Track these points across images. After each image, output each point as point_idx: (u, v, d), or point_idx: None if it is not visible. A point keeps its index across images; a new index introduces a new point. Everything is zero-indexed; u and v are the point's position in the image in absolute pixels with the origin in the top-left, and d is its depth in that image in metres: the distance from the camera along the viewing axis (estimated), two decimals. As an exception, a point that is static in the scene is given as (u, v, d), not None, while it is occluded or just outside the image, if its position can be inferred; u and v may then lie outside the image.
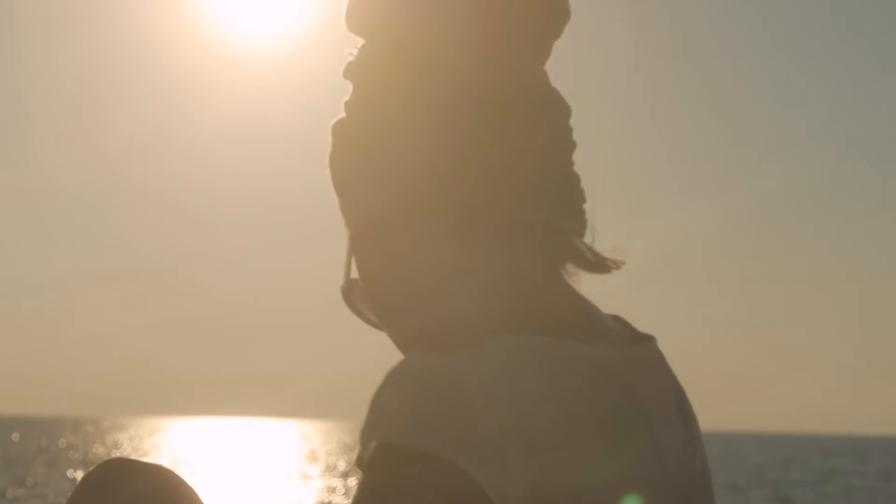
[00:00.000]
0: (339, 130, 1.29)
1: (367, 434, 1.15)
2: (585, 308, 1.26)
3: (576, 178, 1.27)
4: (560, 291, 1.26)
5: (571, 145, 1.27)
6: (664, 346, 1.30)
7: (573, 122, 1.28)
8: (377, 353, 1.37)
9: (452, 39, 1.25)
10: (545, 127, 1.25)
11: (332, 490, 34.56)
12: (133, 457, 1.43)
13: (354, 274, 1.31)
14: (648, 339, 1.28)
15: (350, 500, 1.16)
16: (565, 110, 1.28)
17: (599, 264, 1.28)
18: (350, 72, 1.29)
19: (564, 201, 1.26)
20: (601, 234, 1.28)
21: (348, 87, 1.30)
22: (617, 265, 1.29)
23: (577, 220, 1.26)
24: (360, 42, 1.29)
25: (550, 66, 1.30)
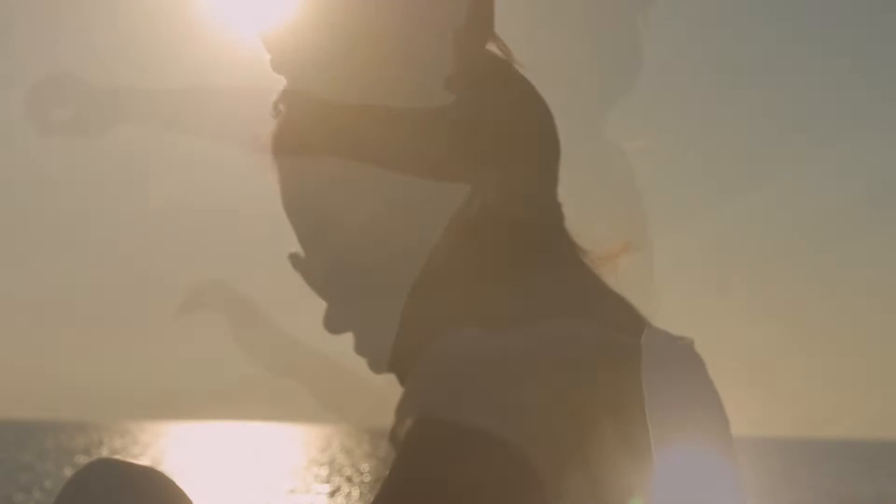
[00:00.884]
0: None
1: (403, 410, 1.13)
2: (621, 300, 1.26)
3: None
4: (599, 285, 1.26)
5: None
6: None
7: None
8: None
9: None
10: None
11: (334, 493, 34.67)
12: (119, 457, 1.39)
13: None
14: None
15: (384, 479, 1.11)
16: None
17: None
18: None
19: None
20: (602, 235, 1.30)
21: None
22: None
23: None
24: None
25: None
